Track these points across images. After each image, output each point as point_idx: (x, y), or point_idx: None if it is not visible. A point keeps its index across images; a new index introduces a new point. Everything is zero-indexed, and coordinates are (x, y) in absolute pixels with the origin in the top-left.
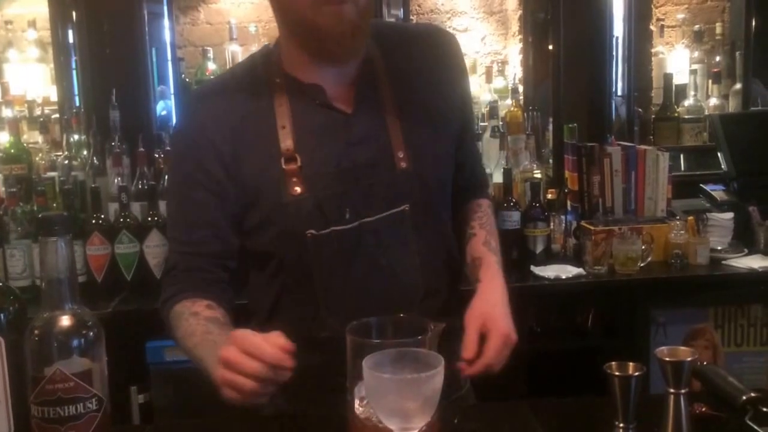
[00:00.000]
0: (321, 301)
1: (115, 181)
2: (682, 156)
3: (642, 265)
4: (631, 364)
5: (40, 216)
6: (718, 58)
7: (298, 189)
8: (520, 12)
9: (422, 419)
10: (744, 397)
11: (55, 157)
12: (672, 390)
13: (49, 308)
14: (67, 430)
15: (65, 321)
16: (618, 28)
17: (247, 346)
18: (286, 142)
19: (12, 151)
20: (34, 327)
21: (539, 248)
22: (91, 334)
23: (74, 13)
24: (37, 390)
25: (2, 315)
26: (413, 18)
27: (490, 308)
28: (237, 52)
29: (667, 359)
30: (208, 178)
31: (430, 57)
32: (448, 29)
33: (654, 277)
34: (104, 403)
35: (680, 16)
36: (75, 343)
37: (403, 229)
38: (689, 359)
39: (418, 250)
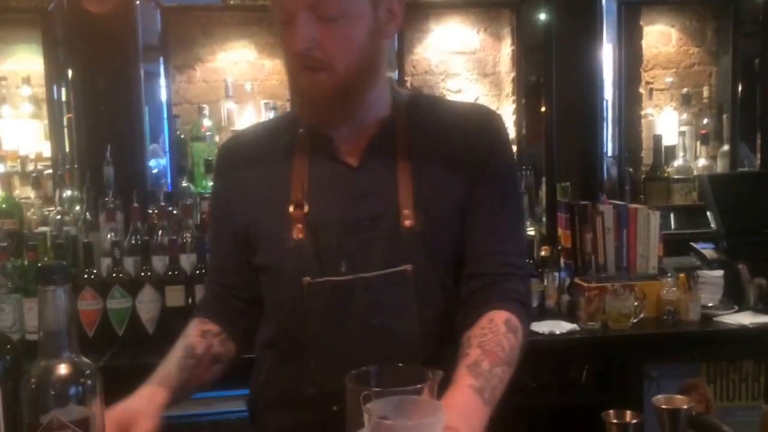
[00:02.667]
0: (310, 355)
1: (108, 236)
2: (672, 215)
3: (635, 321)
4: (628, 412)
5: (39, 264)
6: (705, 121)
7: (300, 235)
8: (513, 74)
9: None
10: None
11: (47, 213)
12: None
13: (47, 357)
14: None
15: (63, 369)
16: (608, 91)
17: None
18: (297, 190)
19: (3, 205)
20: (30, 375)
21: (533, 304)
22: (89, 382)
23: (70, 71)
24: None
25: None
26: (408, 78)
27: None
28: (233, 110)
29: (664, 407)
30: (230, 219)
31: (464, 129)
32: (442, 91)
33: (646, 333)
34: None
35: (668, 79)
36: (72, 391)
37: (403, 291)
38: (685, 407)
39: (418, 317)
